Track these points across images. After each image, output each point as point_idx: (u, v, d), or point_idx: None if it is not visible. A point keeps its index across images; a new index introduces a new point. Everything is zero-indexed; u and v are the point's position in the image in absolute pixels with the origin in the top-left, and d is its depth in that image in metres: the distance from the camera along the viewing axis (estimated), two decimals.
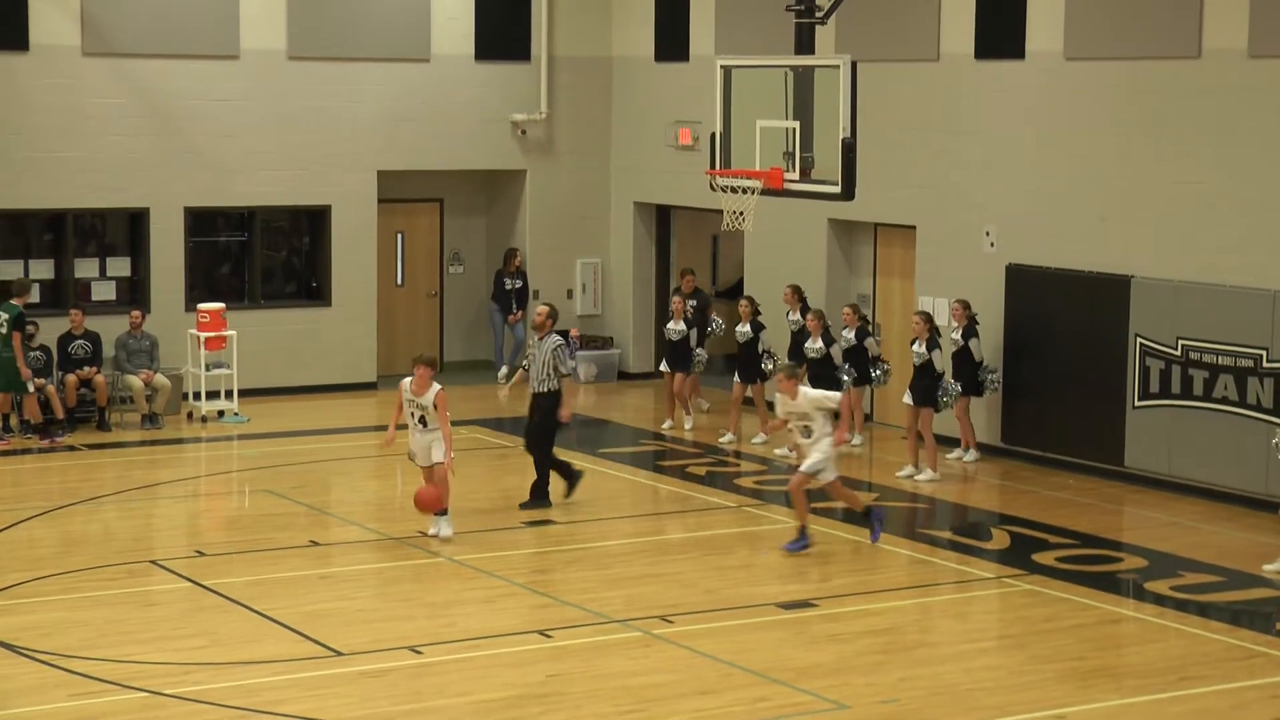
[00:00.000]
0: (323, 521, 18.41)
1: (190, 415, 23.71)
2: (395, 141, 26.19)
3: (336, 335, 25.87)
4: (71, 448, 21.98)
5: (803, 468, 17.02)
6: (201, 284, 25.28)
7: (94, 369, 22.92)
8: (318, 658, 13.83)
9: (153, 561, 16.76)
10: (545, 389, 18.64)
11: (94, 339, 23.16)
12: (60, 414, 22.48)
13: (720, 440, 22.48)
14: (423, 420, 17.06)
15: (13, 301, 22.27)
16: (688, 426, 23.12)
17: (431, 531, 17.26)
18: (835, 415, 17.17)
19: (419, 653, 13.94)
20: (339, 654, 13.90)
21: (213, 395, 23.98)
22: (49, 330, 23.09)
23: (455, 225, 27.99)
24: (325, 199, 25.89)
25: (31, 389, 22.15)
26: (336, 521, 18.41)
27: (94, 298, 24.39)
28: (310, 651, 13.97)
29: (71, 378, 22.78)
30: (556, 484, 18.90)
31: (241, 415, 23.72)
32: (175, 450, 22.35)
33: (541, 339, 18.71)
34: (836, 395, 17.21)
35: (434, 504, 17.08)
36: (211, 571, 16.23)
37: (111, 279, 24.73)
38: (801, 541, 17.06)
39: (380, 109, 26.05)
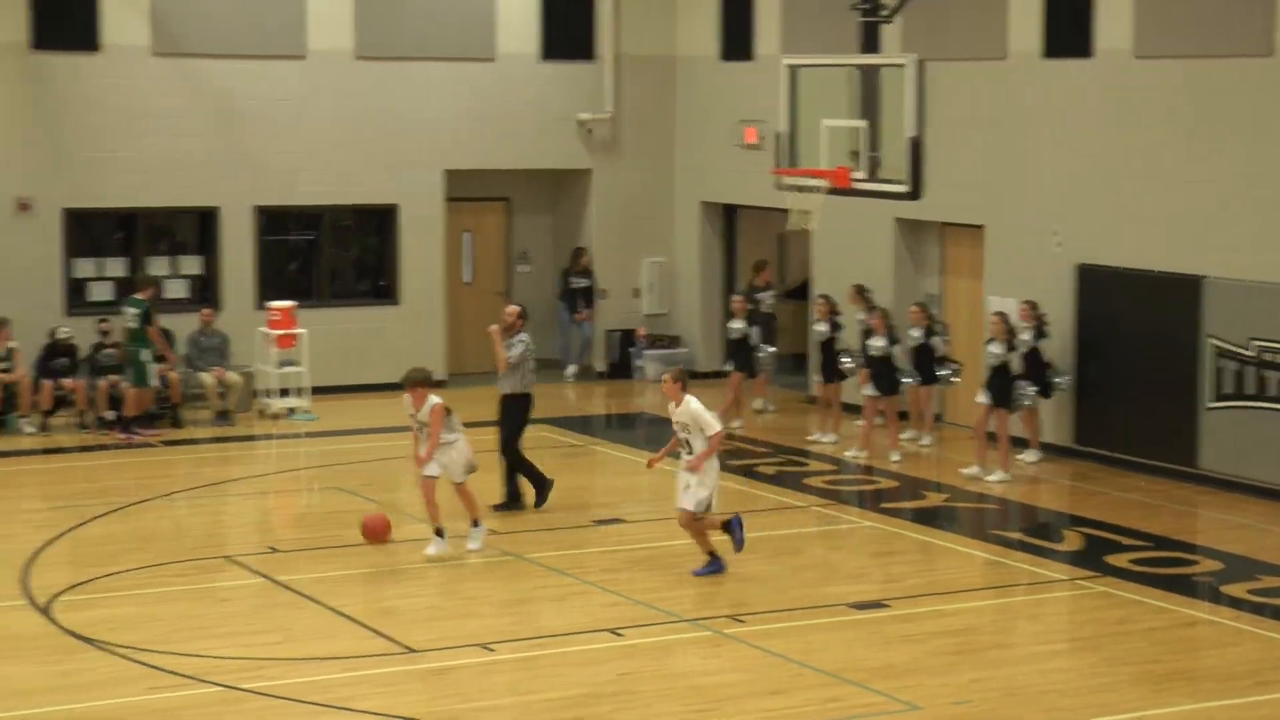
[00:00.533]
0: (393, 518, 18.46)
1: (262, 412, 23.87)
2: (462, 141, 26.29)
3: (405, 333, 25.97)
4: (146, 444, 22.16)
5: (690, 506, 15.91)
6: (271, 282, 25.44)
7: (167, 366, 23.08)
8: (389, 654, 13.91)
9: (226, 557, 16.88)
10: (513, 390, 18.43)
11: (167, 335, 23.32)
12: (134, 410, 22.68)
13: (807, 439, 22.45)
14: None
15: (138, 296, 22.57)
16: (735, 425, 23.12)
17: (470, 546, 16.83)
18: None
19: (490, 650, 14.00)
20: (411, 650, 13.97)
21: (284, 393, 24.13)
22: (122, 328, 23.28)
23: (522, 224, 28.08)
24: (392, 198, 26.02)
25: (155, 382, 22.45)
26: (406, 519, 18.46)
27: (166, 296, 24.57)
28: (382, 648, 14.05)
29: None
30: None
31: (311, 413, 23.85)
32: (247, 447, 22.52)
33: (510, 339, 18.49)
34: (716, 426, 15.89)
35: (379, 534, 16.65)
36: (284, 568, 16.33)
37: (183, 277, 24.91)
38: (715, 564, 16.21)
39: (447, 108, 26.15)
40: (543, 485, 18.59)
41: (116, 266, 24.67)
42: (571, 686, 13.19)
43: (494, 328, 18.68)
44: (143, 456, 21.60)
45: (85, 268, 24.48)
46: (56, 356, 23.00)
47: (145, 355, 22.38)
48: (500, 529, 17.76)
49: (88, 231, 24.67)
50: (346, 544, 16.97)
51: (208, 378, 23.43)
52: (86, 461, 21.45)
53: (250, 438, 22.96)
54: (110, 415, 22.70)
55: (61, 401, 22.88)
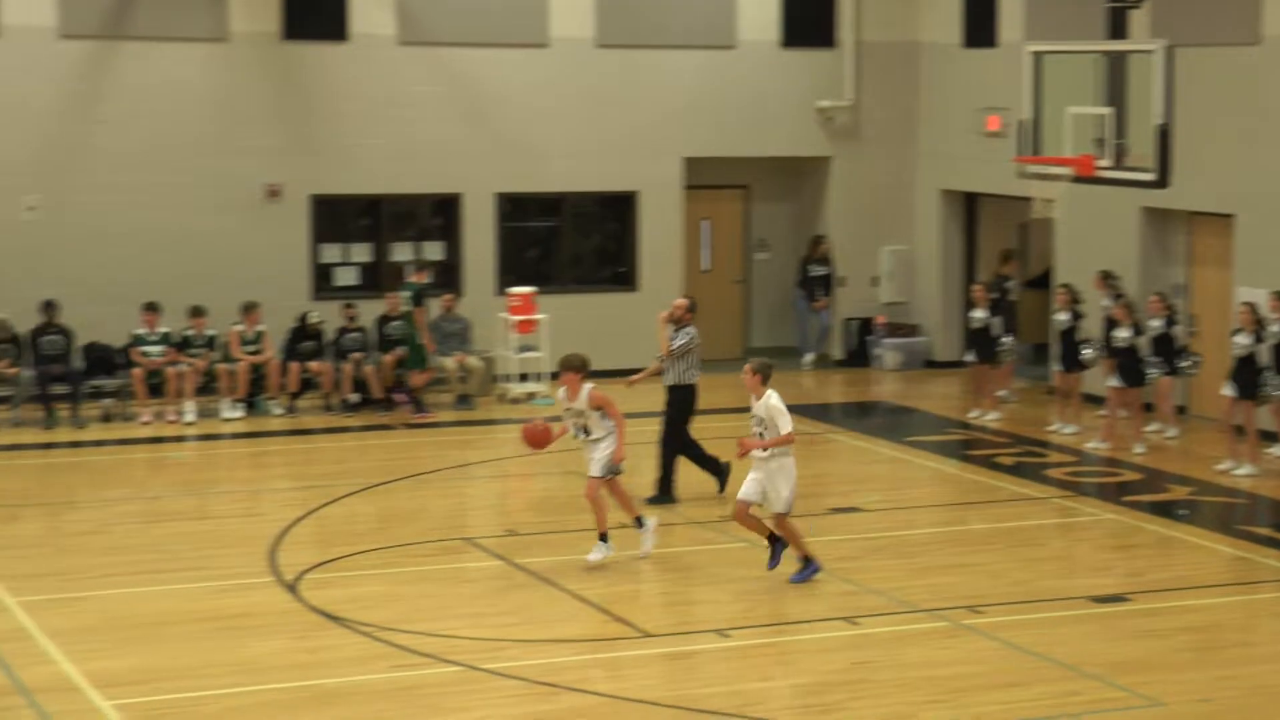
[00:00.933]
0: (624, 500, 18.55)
1: (501, 397, 24.18)
2: (701, 128, 26.36)
3: (643, 320, 25.99)
4: (387, 426, 22.58)
5: (782, 509, 15.18)
6: (512, 268, 25.74)
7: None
8: (626, 638, 14.00)
9: (466, 539, 17.13)
10: (679, 381, 18.29)
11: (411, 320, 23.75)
12: (378, 393, 23.17)
13: (1048, 430, 22.16)
14: (585, 429, 15.86)
15: (411, 280, 23.09)
16: (988, 418, 22.84)
17: (644, 552, 16.08)
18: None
19: (725, 636, 14.03)
20: (647, 635, 14.05)
21: (523, 378, 24.42)
22: (367, 313, 23.78)
23: (760, 212, 28.08)
24: (632, 185, 26.19)
25: (434, 364, 22.97)
26: (643, 505, 18.49)
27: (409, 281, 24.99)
28: (618, 631, 14.15)
29: (388, 358, 23.38)
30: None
31: (550, 398, 24.07)
32: (487, 431, 22.82)
33: (678, 331, 18.34)
34: (789, 426, 15.12)
35: (539, 440, 16.02)
36: (523, 550, 16.51)
37: (426, 263, 25.31)
38: (811, 568, 15.41)
39: (686, 96, 26.24)
40: (719, 471, 18.37)
41: (361, 252, 25.20)
42: (805, 674, 13.18)
43: (663, 314, 18.67)
44: (386, 439, 22.01)
45: (331, 253, 25.04)
46: (303, 340, 23.53)
47: (428, 335, 22.96)
48: None
49: (334, 218, 25.19)
50: (584, 528, 17.06)
51: (449, 362, 23.80)
52: (332, 442, 21.93)
53: (490, 422, 23.26)
54: (355, 398, 23.19)
55: (308, 384, 23.41)
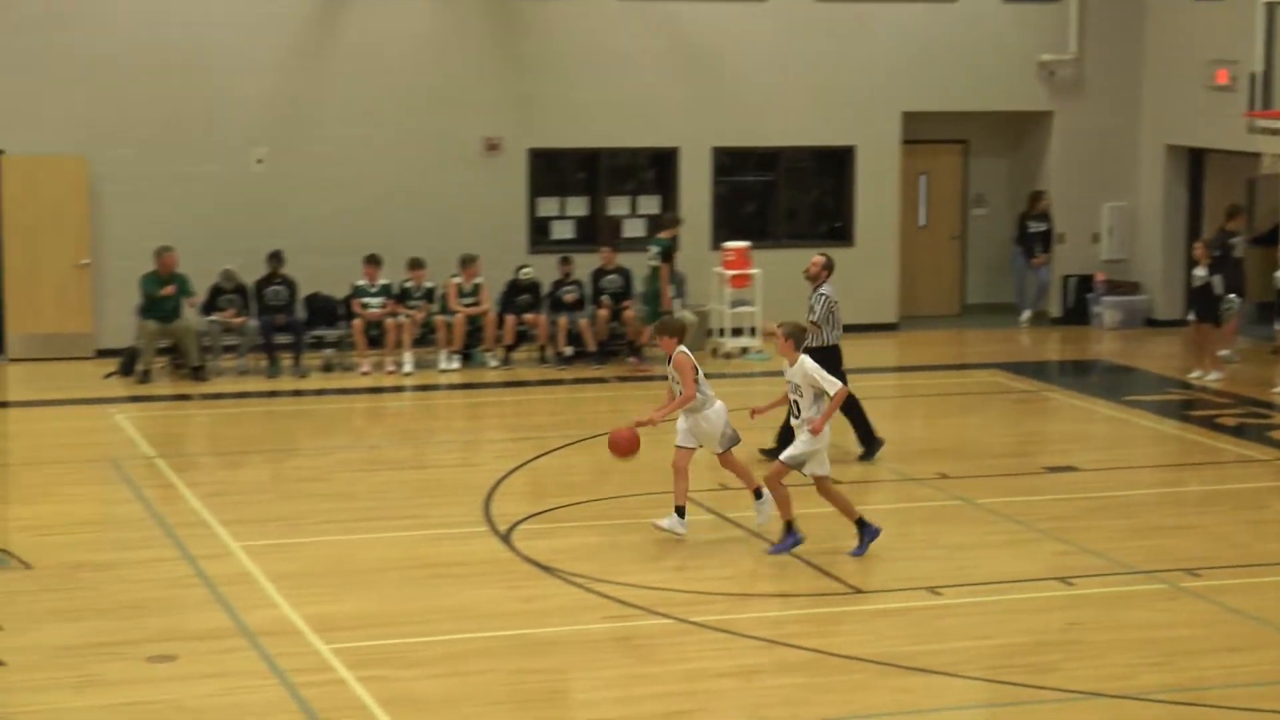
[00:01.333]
0: (840, 461, 18.45)
1: (715, 351, 24.21)
2: (920, 82, 26.10)
3: (858, 275, 25.88)
4: (600, 380, 22.72)
5: (783, 455, 14.75)
6: (727, 222, 25.73)
7: (625, 303, 23.61)
8: (837, 594, 13.97)
9: None
10: (823, 343, 17.47)
11: (625, 274, 23.85)
12: (592, 346, 23.33)
13: (1272, 390, 21.66)
14: None
15: (661, 235, 23.27)
16: (1210, 378, 22.33)
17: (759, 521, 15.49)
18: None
19: (938, 594, 13.93)
20: (858, 591, 14.01)
21: (736, 332, 24.42)
22: (582, 266, 23.93)
23: (979, 167, 27.75)
24: (849, 139, 26.02)
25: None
26: (854, 462, 18.44)
27: (625, 235, 25.08)
28: (830, 588, 14.12)
29: (603, 311, 23.53)
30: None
31: (764, 353, 24.08)
32: None
33: (815, 290, 17.84)
34: (836, 382, 14.52)
35: (625, 447, 15.37)
36: (735, 505, 16.50)
37: (641, 216, 25.39)
38: (790, 539, 14.88)
39: (906, 50, 25.99)
40: (871, 441, 18.14)
41: (578, 206, 25.35)
42: (1020, 634, 13.05)
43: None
44: (599, 392, 22.16)
45: (548, 206, 25.22)
46: (520, 293, 23.74)
47: (669, 292, 23.09)
48: (952, 473, 17.65)
49: (551, 171, 25.37)
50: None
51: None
52: (546, 394, 22.13)
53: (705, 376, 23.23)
54: (569, 350, 23.37)
55: (523, 336, 23.63)
